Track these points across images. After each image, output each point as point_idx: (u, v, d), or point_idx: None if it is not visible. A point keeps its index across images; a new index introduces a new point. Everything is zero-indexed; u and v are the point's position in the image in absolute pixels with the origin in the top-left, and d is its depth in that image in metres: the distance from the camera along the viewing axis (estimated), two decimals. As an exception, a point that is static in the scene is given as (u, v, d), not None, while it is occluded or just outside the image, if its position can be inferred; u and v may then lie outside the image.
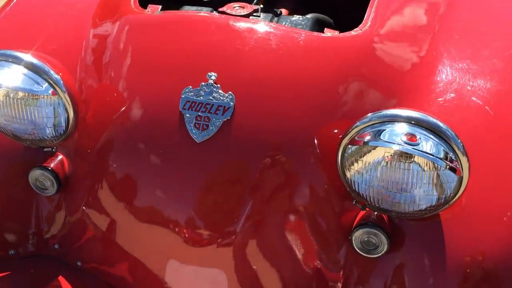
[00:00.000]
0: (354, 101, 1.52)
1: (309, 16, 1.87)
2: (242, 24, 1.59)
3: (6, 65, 1.52)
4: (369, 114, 1.36)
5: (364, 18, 1.65)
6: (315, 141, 1.49)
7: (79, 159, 1.66)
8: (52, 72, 1.53)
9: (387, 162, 1.31)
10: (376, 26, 1.62)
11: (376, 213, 1.44)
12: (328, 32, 1.61)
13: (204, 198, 1.47)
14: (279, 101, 1.50)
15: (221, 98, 1.48)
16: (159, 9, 1.72)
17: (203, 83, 1.50)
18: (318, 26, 1.81)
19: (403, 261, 1.43)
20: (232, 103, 1.48)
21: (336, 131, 1.50)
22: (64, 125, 1.57)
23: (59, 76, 1.54)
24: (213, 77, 1.50)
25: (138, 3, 1.75)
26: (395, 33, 1.67)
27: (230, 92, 1.49)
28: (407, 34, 1.68)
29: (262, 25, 1.59)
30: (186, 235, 1.48)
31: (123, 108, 1.60)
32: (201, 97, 1.49)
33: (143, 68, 1.59)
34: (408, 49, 1.63)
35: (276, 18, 1.77)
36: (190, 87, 1.51)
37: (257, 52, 1.54)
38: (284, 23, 1.74)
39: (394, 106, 1.49)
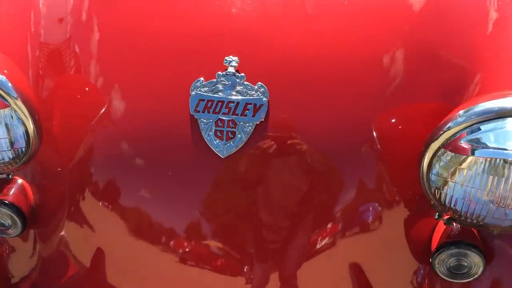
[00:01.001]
0: (422, 78, 1.14)
1: None
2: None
3: None
4: (461, 112, 0.99)
5: None
6: (374, 134, 1.11)
7: (48, 181, 1.22)
8: None
9: (501, 173, 0.96)
10: None
11: (461, 227, 1.11)
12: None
13: (236, 237, 1.08)
14: (325, 88, 1.10)
15: (249, 92, 1.06)
16: None
17: (220, 73, 1.07)
18: None
19: (500, 281, 1.12)
20: (265, 99, 1.06)
21: (401, 119, 1.12)
22: (23, 142, 1.11)
23: (3, 77, 1.06)
24: (234, 63, 1.07)
25: None
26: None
27: (260, 83, 1.07)
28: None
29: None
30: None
31: (103, 111, 1.15)
32: (220, 93, 1.06)
33: (129, 53, 1.14)
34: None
35: None
36: (202, 79, 1.07)
37: (290, 23, 1.10)
38: None
39: (478, 84, 1.12)
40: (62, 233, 1.24)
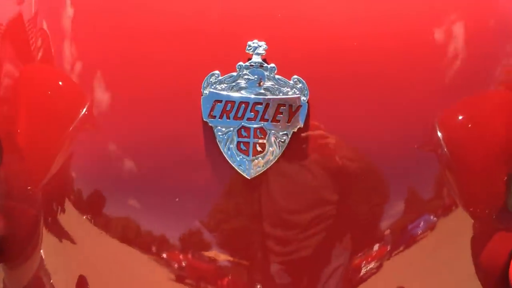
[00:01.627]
0: (497, 68, 0.89)
1: None
2: None
3: None
4: None
5: None
6: (440, 136, 0.86)
7: (15, 203, 0.95)
8: None
9: None
10: None
11: None
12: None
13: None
14: (380, 83, 0.83)
15: (283, 89, 0.79)
16: None
17: (242, 64, 0.80)
18: None
19: None
20: (304, 98, 0.79)
21: (472, 117, 0.88)
22: None
23: None
24: (260, 50, 0.79)
25: None
26: None
27: (297, 77, 0.79)
28: None
29: None
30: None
31: (84, 111, 0.88)
32: (243, 91, 0.79)
33: (119, 33, 0.85)
34: None
35: None
36: (218, 72, 0.80)
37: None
38: None
39: None
40: (36, 264, 0.99)
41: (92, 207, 0.90)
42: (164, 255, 0.85)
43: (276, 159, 0.80)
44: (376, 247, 0.89)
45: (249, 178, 0.80)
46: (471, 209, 0.91)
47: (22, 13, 0.94)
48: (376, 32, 0.85)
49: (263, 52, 0.80)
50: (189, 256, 0.85)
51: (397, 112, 0.85)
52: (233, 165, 0.80)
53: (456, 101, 0.89)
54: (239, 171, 0.80)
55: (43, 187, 0.93)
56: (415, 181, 0.89)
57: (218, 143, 0.80)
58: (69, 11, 0.94)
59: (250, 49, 0.80)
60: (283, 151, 0.80)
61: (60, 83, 0.92)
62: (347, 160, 0.82)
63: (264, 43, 0.80)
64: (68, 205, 0.91)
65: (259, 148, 0.80)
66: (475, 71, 0.89)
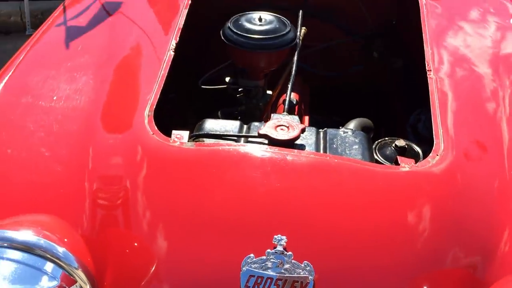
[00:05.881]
0: (448, 247, 1.24)
1: (352, 124, 1.59)
2: (303, 160, 1.27)
3: None
4: None
5: (434, 137, 1.37)
6: None
7: None
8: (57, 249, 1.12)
9: None
10: (451, 149, 1.35)
11: None
12: (404, 164, 1.31)
13: None
14: (368, 263, 1.19)
15: (296, 270, 1.15)
16: (187, 138, 1.35)
17: (269, 250, 1.16)
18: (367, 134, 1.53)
19: None
20: (311, 277, 1.15)
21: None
22: None
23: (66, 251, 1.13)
24: (282, 242, 1.16)
25: (154, 125, 1.36)
26: (477, 157, 1.40)
27: (306, 262, 1.16)
28: (489, 155, 1.41)
29: (324, 161, 1.29)
30: None
31: (152, 272, 1.22)
32: (270, 270, 1.15)
33: (182, 221, 1.22)
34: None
35: (321, 133, 1.46)
36: (253, 255, 1.16)
37: (330, 201, 1.22)
38: (334, 140, 1.43)
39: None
40: None
41: None
42: None
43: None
44: None
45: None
46: None
47: (114, 209, 1.30)
48: (362, 221, 1.21)
49: (284, 243, 1.17)
50: None
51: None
52: None
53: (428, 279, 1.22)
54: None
55: None
56: None
57: None
58: (148, 199, 1.26)
59: (275, 241, 1.17)
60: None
61: (135, 244, 1.24)
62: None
63: (285, 237, 1.17)
64: None
65: (279, 312, 1.14)
66: (432, 256, 1.23)
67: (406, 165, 1.30)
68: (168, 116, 1.66)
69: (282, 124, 1.39)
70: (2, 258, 1.08)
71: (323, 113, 2.03)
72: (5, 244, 1.10)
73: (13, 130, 1.47)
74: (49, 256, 1.13)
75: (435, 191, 1.27)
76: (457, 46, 1.77)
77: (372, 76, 2.25)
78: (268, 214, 1.20)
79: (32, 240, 1.12)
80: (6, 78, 1.60)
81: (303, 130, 1.38)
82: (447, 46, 1.75)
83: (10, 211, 1.28)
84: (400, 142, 1.44)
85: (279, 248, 1.16)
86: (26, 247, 1.11)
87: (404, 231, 1.23)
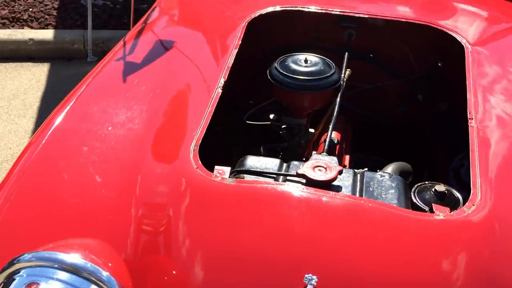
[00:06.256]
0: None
1: (390, 168, 1.61)
2: (338, 202, 1.32)
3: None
4: None
5: (472, 186, 1.39)
6: None
7: None
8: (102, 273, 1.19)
9: None
10: (489, 200, 1.35)
11: None
12: (439, 212, 1.33)
13: None
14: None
15: (325, 309, 1.18)
16: (228, 173, 1.42)
17: (300, 289, 1.20)
18: (404, 178, 1.55)
19: None
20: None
21: None
22: None
23: (110, 275, 1.21)
24: (313, 282, 1.21)
25: (198, 159, 1.43)
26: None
27: (335, 302, 1.19)
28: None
29: (358, 205, 1.33)
30: None
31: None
32: (300, 311, 1.19)
33: (218, 258, 1.28)
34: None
35: (359, 175, 1.50)
36: (285, 292, 1.21)
37: (362, 246, 1.26)
38: (371, 183, 1.47)
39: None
40: None
41: None
42: None
43: None
44: None
45: None
46: None
47: (157, 237, 1.37)
48: (391, 267, 1.23)
49: (315, 283, 1.21)
50: None
51: None
52: None
53: None
54: None
55: None
56: None
57: None
58: (186, 245, 1.32)
59: (306, 280, 1.21)
60: None
61: (174, 272, 1.30)
62: None
63: (316, 277, 1.21)
64: None
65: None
66: None
67: (440, 213, 1.32)
68: (213, 148, 1.74)
69: (320, 165, 1.44)
70: (53, 278, 1.17)
71: (365, 153, 2.06)
72: (56, 266, 1.19)
73: (70, 156, 1.57)
74: (93, 279, 1.21)
75: (469, 241, 1.29)
76: (503, 96, 1.77)
77: (416, 117, 2.27)
78: (300, 253, 1.25)
79: (80, 263, 1.20)
80: (68, 107, 1.72)
81: (340, 172, 1.43)
82: (492, 95, 1.75)
83: (62, 233, 1.37)
84: (440, 187, 1.45)
85: (309, 287, 1.21)
86: (74, 269, 1.20)
87: (434, 281, 1.24)
